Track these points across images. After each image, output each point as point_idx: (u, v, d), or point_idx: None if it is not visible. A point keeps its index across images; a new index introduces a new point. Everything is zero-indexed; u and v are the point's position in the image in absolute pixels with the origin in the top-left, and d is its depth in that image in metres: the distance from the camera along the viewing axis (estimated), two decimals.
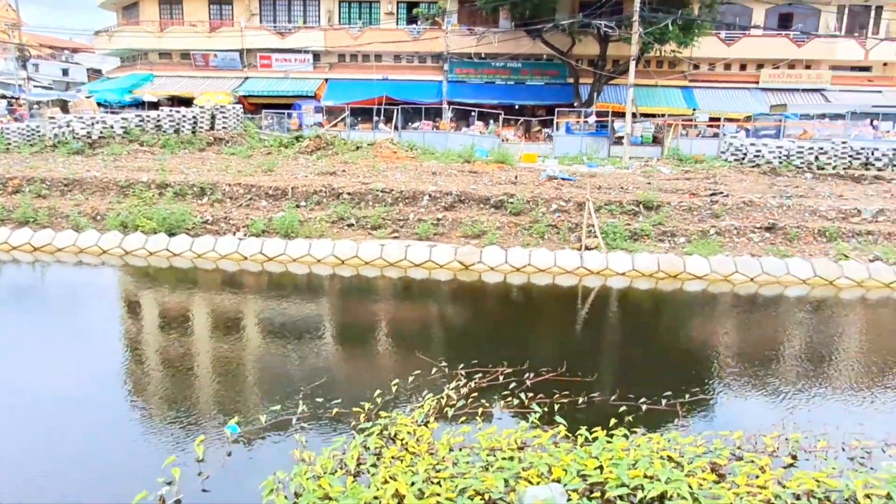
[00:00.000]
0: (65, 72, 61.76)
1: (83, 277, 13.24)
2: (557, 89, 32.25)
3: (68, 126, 23.02)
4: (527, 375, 7.64)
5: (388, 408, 6.71)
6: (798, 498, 5.12)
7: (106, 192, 16.47)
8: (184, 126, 24.32)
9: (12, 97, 45.12)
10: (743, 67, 32.98)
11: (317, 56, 36.15)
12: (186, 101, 32.57)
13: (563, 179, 17.45)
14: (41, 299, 11.97)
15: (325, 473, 5.29)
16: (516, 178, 17.44)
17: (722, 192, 16.10)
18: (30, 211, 15.22)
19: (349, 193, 15.73)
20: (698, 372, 8.39)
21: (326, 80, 35.38)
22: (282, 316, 10.48)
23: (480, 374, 7.70)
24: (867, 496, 5.03)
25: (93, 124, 23.12)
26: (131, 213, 14.96)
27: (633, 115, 26.07)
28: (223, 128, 25.19)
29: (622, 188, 16.70)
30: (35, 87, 49.06)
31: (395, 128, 28.56)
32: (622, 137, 25.72)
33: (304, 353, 8.68)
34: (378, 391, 6.99)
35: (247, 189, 16.21)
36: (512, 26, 30.73)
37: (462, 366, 7.89)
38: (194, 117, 24.64)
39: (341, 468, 5.51)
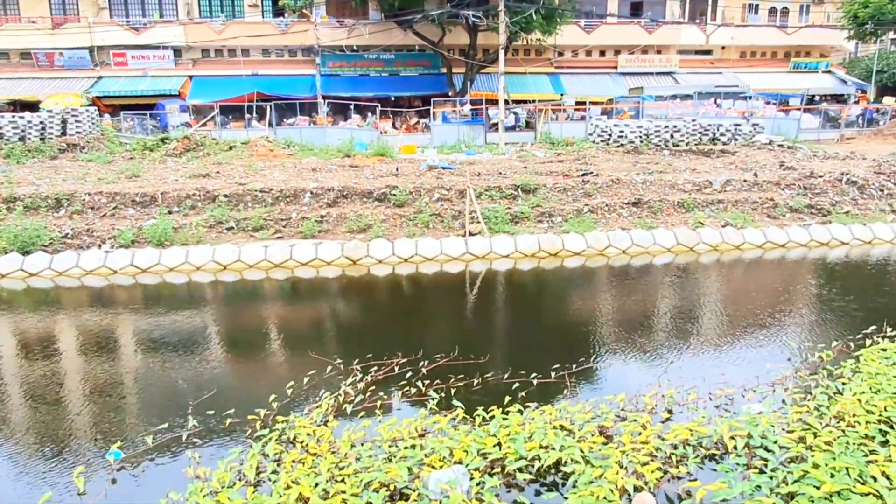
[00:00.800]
0: None
1: None
2: (432, 79, 32.67)
3: None
4: (422, 364, 7.75)
5: (285, 412, 6.57)
6: (676, 448, 5.60)
7: None
8: (30, 133, 22.15)
9: None
10: (602, 53, 35.06)
11: (178, 52, 34.17)
12: (31, 106, 29.64)
13: (444, 168, 17.73)
14: None
15: (222, 488, 5.10)
16: (397, 169, 17.50)
17: (592, 172, 17.07)
18: None
19: (226, 196, 15.08)
20: (582, 342, 8.89)
21: (191, 77, 33.58)
22: (162, 330, 9.90)
23: (376, 368, 7.71)
24: (732, 437, 5.61)
25: None
26: None
27: (506, 101, 26.94)
28: (77, 132, 23.18)
29: (500, 174, 17.24)
30: None
31: (270, 125, 27.67)
32: (497, 124, 26.51)
33: (191, 367, 8.28)
34: (273, 396, 6.82)
35: (110, 197, 15.08)
36: (382, 17, 30.67)
37: (357, 361, 7.86)
38: (42, 122, 22.49)
39: (240, 480, 5.33)
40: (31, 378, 8.03)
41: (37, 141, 22.06)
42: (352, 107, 29.78)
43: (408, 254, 13.18)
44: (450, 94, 30.65)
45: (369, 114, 29.53)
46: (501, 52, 25.90)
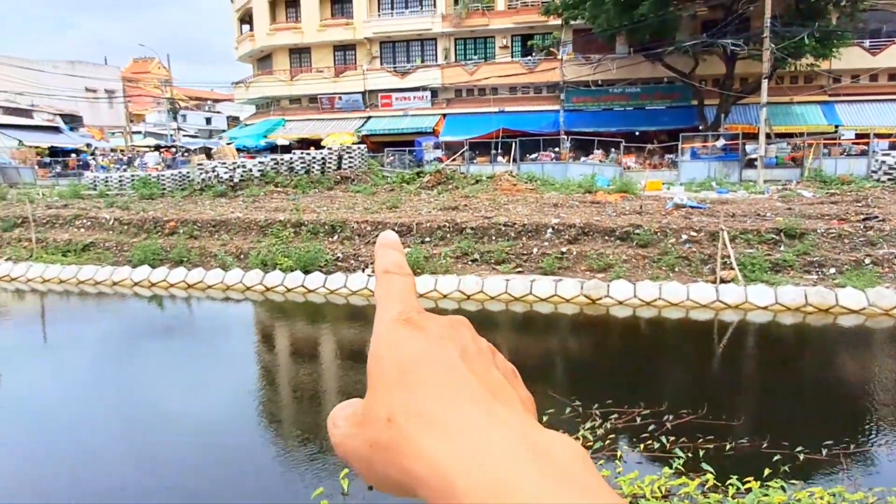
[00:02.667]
0: (208, 120, 68.28)
1: (231, 313, 14.38)
2: (680, 113, 31.14)
3: (213, 171, 25.25)
4: (666, 417, 7.27)
5: None
6: None
7: (248, 232, 17.83)
8: (314, 167, 25.94)
9: (165, 146, 50.45)
10: (893, 77, 30.20)
11: (434, 93, 37.40)
12: (314, 143, 34.79)
13: (692, 207, 16.70)
14: (195, 333, 13.11)
15: None
16: (641, 207, 16.93)
17: (876, 217, 14.68)
18: (184, 251, 16.76)
19: (472, 228, 15.97)
20: (861, 418, 7.61)
21: (444, 115, 36.43)
22: None
23: (616, 415, 7.43)
24: None
25: (234, 168, 25.23)
26: (270, 251, 16.04)
27: (767, 135, 24.55)
28: (349, 167, 26.58)
29: (759, 215, 15.70)
30: (184, 135, 54.56)
31: (514, 160, 28.76)
32: (754, 160, 24.27)
33: None
34: None
35: (374, 226, 16.91)
36: (630, 52, 30.19)
37: (596, 406, 7.66)
38: (323, 158, 26.23)
39: None
40: (305, 380, 9.27)
41: (318, 174, 25.74)
42: (595, 142, 29.60)
43: (650, 297, 12.59)
44: (700, 127, 28.86)
45: (612, 149, 29.10)
46: (764, 82, 23.76)
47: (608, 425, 7.19)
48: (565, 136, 30.46)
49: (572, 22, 30.38)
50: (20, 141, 39.60)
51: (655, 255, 13.91)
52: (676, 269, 13.44)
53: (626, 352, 11.04)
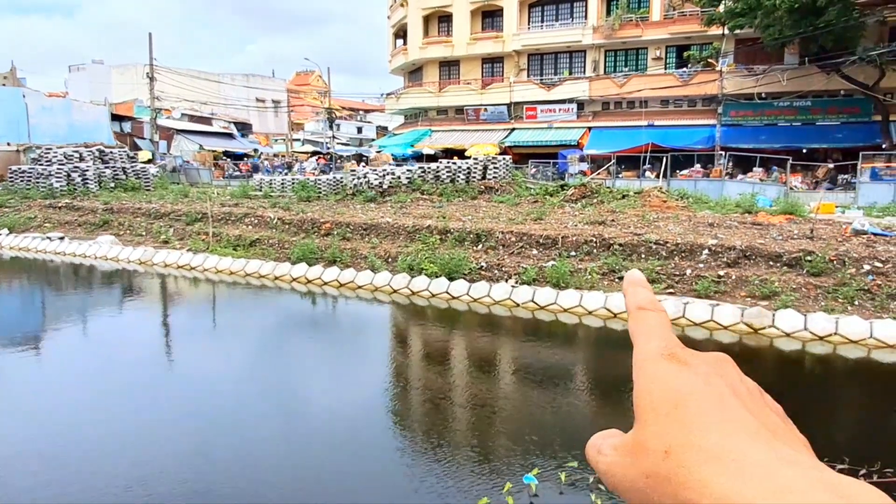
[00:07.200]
0: (359, 129, 72.01)
1: (378, 313, 14.98)
2: (858, 129, 28.22)
3: (365, 178, 26.52)
4: (861, 473, 6.49)
5: None
6: None
7: (396, 237, 18.48)
8: (458, 176, 26.43)
9: (321, 153, 53.79)
10: None
11: (580, 105, 36.77)
12: (458, 153, 35.47)
13: (876, 235, 14.97)
14: (344, 329, 13.77)
15: None
16: (812, 231, 15.45)
17: None
18: (337, 252, 17.69)
19: (620, 245, 15.43)
20: None
21: (589, 128, 35.71)
22: (566, 367, 10.53)
23: None
24: None
25: (384, 176, 26.34)
26: (417, 257, 16.50)
27: None
28: (493, 177, 26.79)
29: None
30: (337, 143, 57.92)
31: (663, 176, 27.50)
32: None
33: (594, 410, 8.56)
34: None
35: (518, 237, 16.86)
36: (804, 61, 27.81)
37: None
38: (468, 168, 26.66)
39: None
40: (462, 391, 9.35)
41: (462, 183, 26.19)
42: (755, 159, 27.54)
43: (824, 331, 11.40)
44: (883, 145, 25.92)
45: (774, 167, 26.92)
46: None
47: None
48: (721, 153, 28.66)
49: (737, 31, 28.58)
50: (201, 145, 44.20)
51: (831, 285, 12.60)
52: (856, 303, 12.08)
53: (807, 393, 10.05)
